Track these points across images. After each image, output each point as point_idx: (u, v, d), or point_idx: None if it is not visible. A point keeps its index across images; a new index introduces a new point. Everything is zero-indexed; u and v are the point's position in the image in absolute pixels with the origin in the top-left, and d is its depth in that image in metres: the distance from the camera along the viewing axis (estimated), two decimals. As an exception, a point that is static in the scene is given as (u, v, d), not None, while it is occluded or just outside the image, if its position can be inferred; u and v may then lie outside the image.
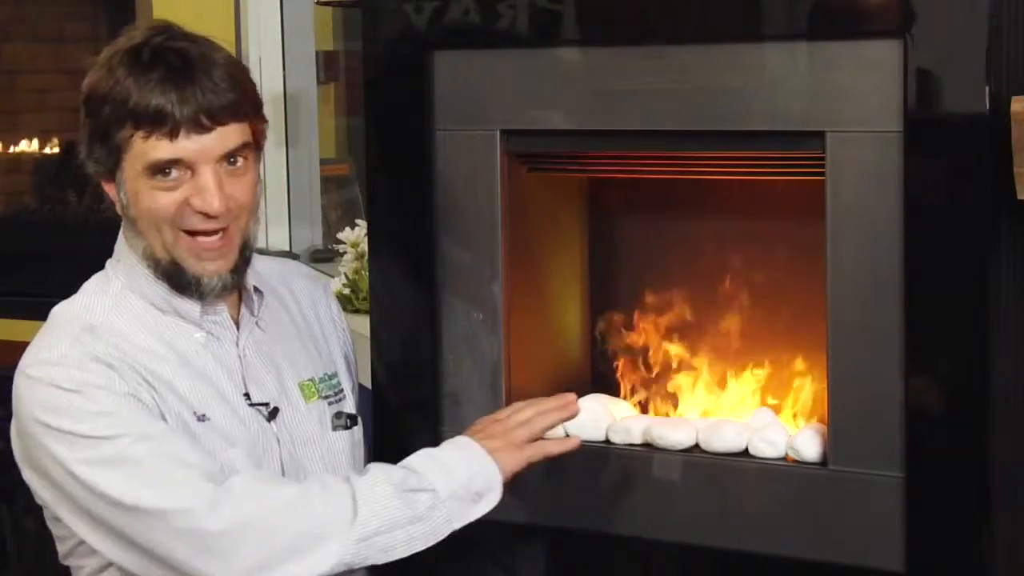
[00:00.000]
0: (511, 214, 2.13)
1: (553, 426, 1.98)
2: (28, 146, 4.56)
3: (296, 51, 3.77)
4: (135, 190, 1.87)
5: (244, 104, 1.89)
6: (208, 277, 1.90)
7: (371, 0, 2.17)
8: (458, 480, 1.87)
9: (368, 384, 2.26)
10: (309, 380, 2.05)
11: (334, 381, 2.08)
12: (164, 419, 1.87)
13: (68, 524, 1.87)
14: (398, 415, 2.20)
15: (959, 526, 1.84)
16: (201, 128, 1.84)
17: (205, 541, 1.78)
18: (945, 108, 1.80)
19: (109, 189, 1.92)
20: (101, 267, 1.99)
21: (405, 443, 2.06)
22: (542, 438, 1.96)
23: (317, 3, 3.55)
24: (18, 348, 1.96)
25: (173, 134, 1.83)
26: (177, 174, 1.85)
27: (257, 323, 2.01)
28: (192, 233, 1.88)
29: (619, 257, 2.32)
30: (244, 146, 1.89)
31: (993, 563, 1.83)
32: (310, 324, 2.10)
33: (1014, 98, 1.72)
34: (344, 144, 4.18)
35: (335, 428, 2.04)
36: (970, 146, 1.79)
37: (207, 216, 1.86)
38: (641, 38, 2.00)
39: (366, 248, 2.45)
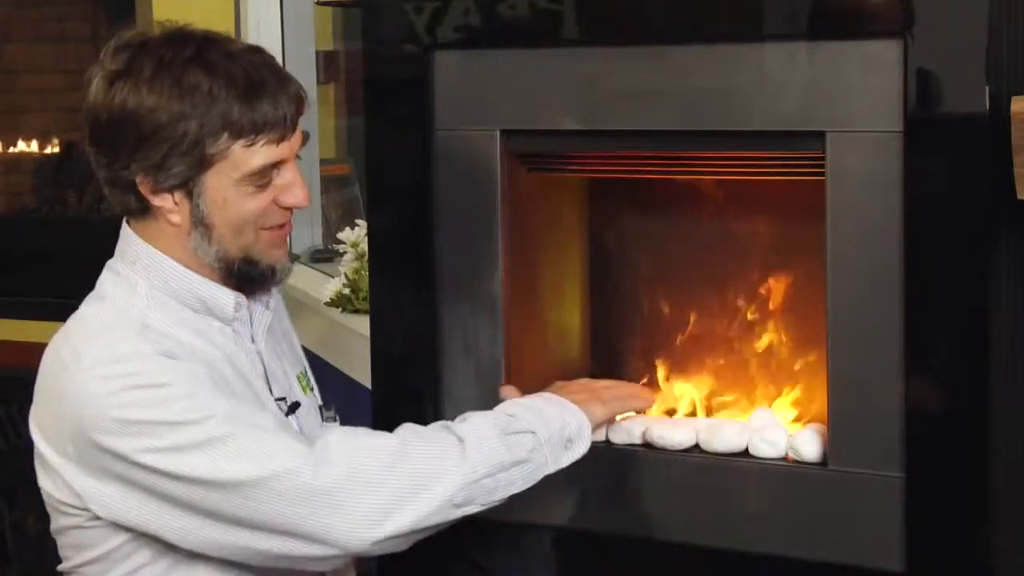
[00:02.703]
0: (511, 214, 2.13)
1: (629, 410, 2.06)
2: (28, 146, 4.56)
3: (296, 51, 3.77)
4: (222, 198, 1.86)
5: None
6: (280, 264, 1.93)
7: (371, 0, 2.17)
8: (552, 426, 1.90)
9: (367, 384, 2.26)
10: (301, 373, 2.08)
11: (310, 374, 2.11)
12: None
13: (141, 524, 1.84)
14: (397, 415, 2.19)
15: (959, 526, 1.84)
16: (294, 127, 1.88)
17: (315, 499, 1.78)
18: (945, 108, 1.80)
19: (163, 200, 1.87)
20: (100, 267, 1.98)
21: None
22: None
23: (317, 3, 3.55)
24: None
25: (282, 138, 1.86)
26: (270, 175, 1.88)
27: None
28: (270, 228, 1.91)
29: (619, 257, 2.32)
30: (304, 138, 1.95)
31: (993, 563, 1.83)
32: (281, 318, 2.12)
33: (1014, 98, 1.72)
34: (344, 144, 4.18)
35: (324, 419, 2.07)
36: (970, 146, 1.79)
37: (290, 210, 1.91)
38: (641, 38, 2.00)
39: (366, 248, 2.45)
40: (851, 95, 1.86)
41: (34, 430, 1.90)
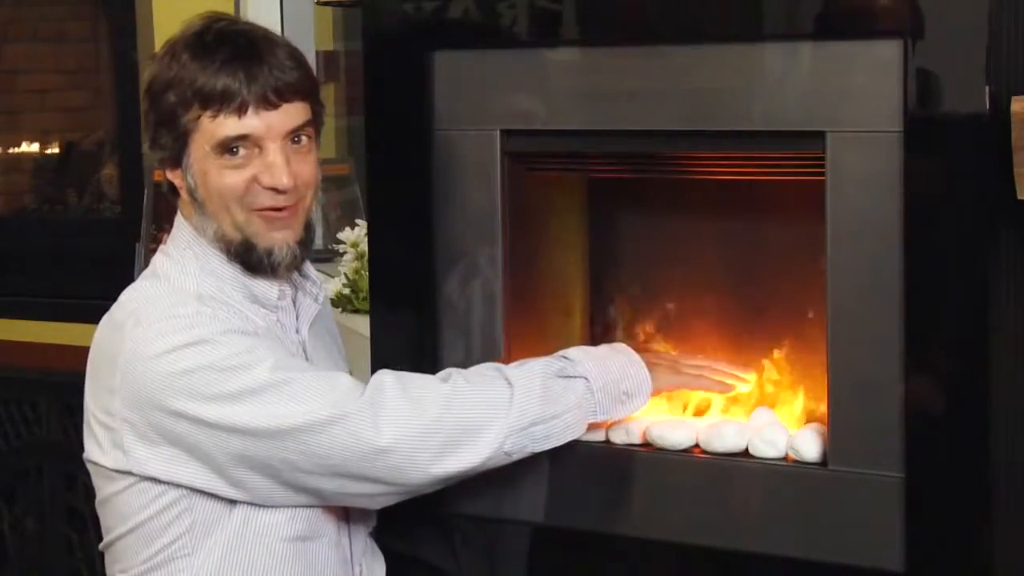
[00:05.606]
0: (511, 214, 2.13)
1: (701, 388, 2.10)
2: (28, 146, 4.56)
3: (296, 51, 3.77)
4: (203, 171, 1.91)
5: (307, 83, 1.95)
6: (278, 247, 1.94)
7: (371, 0, 2.17)
8: (609, 375, 1.97)
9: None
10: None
11: None
12: None
13: (192, 482, 1.88)
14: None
15: (959, 526, 1.84)
16: (269, 105, 1.89)
17: (369, 445, 1.84)
18: (945, 108, 1.80)
19: (174, 176, 1.95)
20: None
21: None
22: None
23: (317, 3, 3.55)
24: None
25: (241, 111, 1.88)
26: (245, 152, 1.90)
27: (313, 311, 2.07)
28: (260, 211, 1.93)
29: (619, 257, 2.32)
30: (307, 124, 1.95)
31: (993, 563, 1.83)
32: (329, 323, 2.18)
33: (1014, 98, 1.72)
34: (344, 144, 4.18)
35: None
36: (970, 146, 1.79)
37: (276, 192, 1.91)
38: (641, 38, 2.00)
39: (366, 248, 2.45)
40: (851, 95, 1.86)
41: (87, 395, 1.95)
